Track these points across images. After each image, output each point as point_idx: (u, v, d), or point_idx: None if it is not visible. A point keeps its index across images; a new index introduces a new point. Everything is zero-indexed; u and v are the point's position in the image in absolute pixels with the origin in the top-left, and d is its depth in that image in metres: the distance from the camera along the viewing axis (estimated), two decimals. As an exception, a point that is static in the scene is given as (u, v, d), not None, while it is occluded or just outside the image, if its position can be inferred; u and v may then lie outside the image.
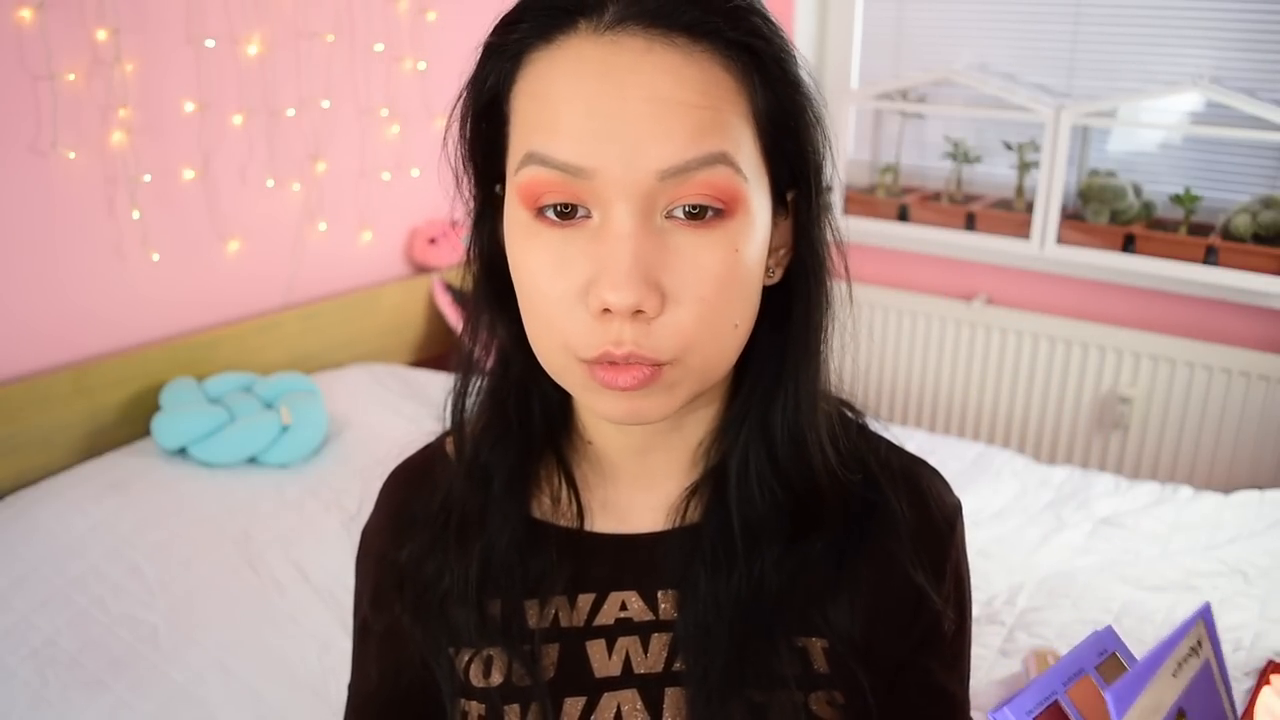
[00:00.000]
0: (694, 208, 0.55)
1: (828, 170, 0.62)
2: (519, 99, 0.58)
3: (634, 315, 0.54)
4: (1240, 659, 1.51)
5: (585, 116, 0.54)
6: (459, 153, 0.63)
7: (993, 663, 1.55)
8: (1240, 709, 1.42)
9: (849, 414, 0.71)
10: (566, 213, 0.56)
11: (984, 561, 1.83)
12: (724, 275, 0.56)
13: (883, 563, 0.65)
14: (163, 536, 1.75)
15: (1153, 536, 1.92)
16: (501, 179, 0.62)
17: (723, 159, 0.55)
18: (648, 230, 0.55)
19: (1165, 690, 0.48)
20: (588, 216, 0.56)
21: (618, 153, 0.53)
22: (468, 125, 0.62)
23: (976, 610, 1.68)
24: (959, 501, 0.71)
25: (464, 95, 0.61)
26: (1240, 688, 1.45)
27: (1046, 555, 1.87)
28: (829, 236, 0.64)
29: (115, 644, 1.53)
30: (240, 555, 1.74)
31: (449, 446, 0.74)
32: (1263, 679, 1.46)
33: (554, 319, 0.57)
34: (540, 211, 0.56)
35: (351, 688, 0.75)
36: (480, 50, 0.60)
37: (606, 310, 0.54)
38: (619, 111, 0.53)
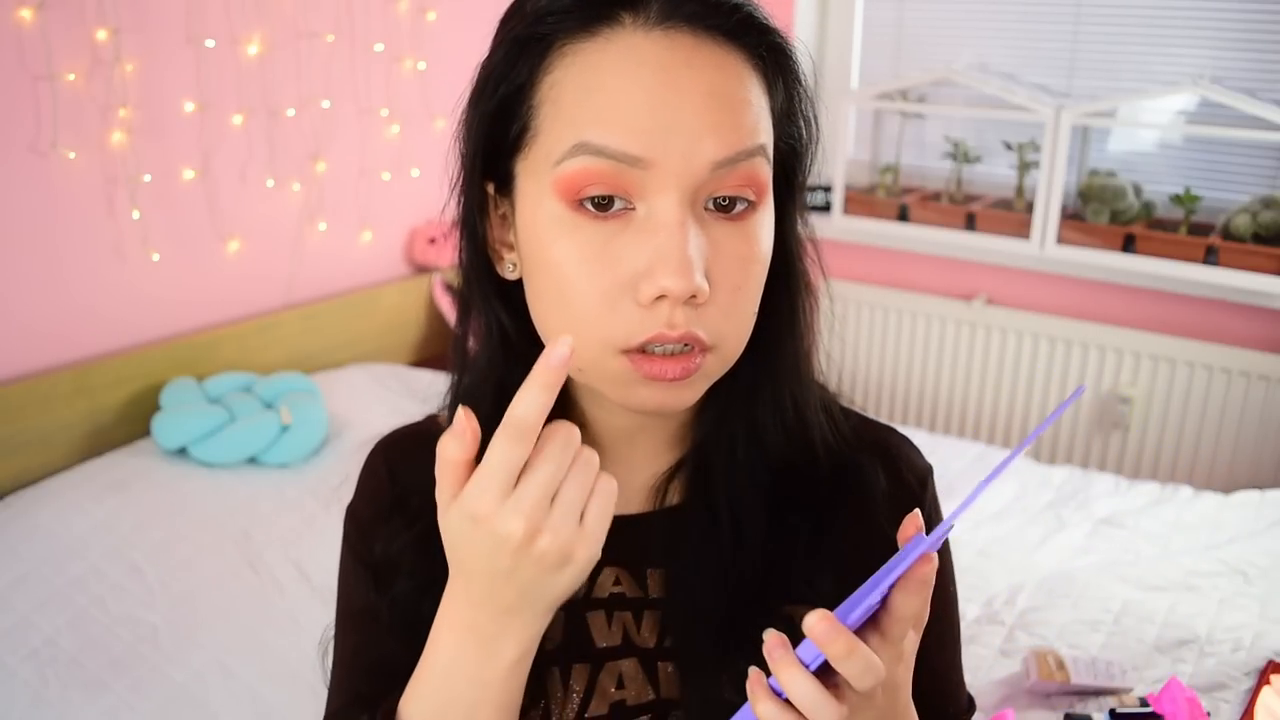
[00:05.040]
0: (726, 199, 0.58)
1: (812, 167, 0.66)
2: (560, 89, 0.57)
3: (688, 300, 0.57)
4: (1240, 659, 1.51)
5: (646, 109, 0.55)
6: (466, 147, 0.63)
7: (993, 663, 1.55)
8: (1240, 709, 1.42)
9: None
10: (603, 204, 0.57)
11: (984, 561, 1.84)
12: (752, 265, 0.60)
13: (861, 526, 0.68)
14: (163, 536, 1.75)
15: (1153, 536, 1.92)
16: (499, 176, 0.63)
17: (761, 151, 0.59)
18: (693, 220, 0.57)
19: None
20: (628, 209, 0.57)
21: (677, 144, 0.55)
22: (483, 118, 0.61)
23: (976, 610, 1.68)
24: (930, 465, 0.75)
25: (484, 87, 0.61)
26: (1240, 688, 1.46)
27: (1046, 555, 1.87)
28: (803, 232, 0.68)
29: (115, 644, 1.53)
30: (240, 555, 1.74)
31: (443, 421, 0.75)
32: (1263, 679, 1.46)
33: (593, 312, 0.58)
34: (579, 204, 0.57)
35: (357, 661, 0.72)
36: (506, 43, 0.60)
37: (660, 298, 0.56)
38: (678, 104, 0.55)
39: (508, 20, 0.62)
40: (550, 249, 0.58)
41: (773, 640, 0.52)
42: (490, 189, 0.64)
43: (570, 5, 0.57)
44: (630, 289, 0.57)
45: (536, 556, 0.53)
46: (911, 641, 0.57)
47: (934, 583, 0.53)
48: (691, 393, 0.61)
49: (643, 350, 0.58)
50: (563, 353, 0.51)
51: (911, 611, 0.53)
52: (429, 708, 0.59)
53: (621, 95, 0.55)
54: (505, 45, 0.60)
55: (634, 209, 0.57)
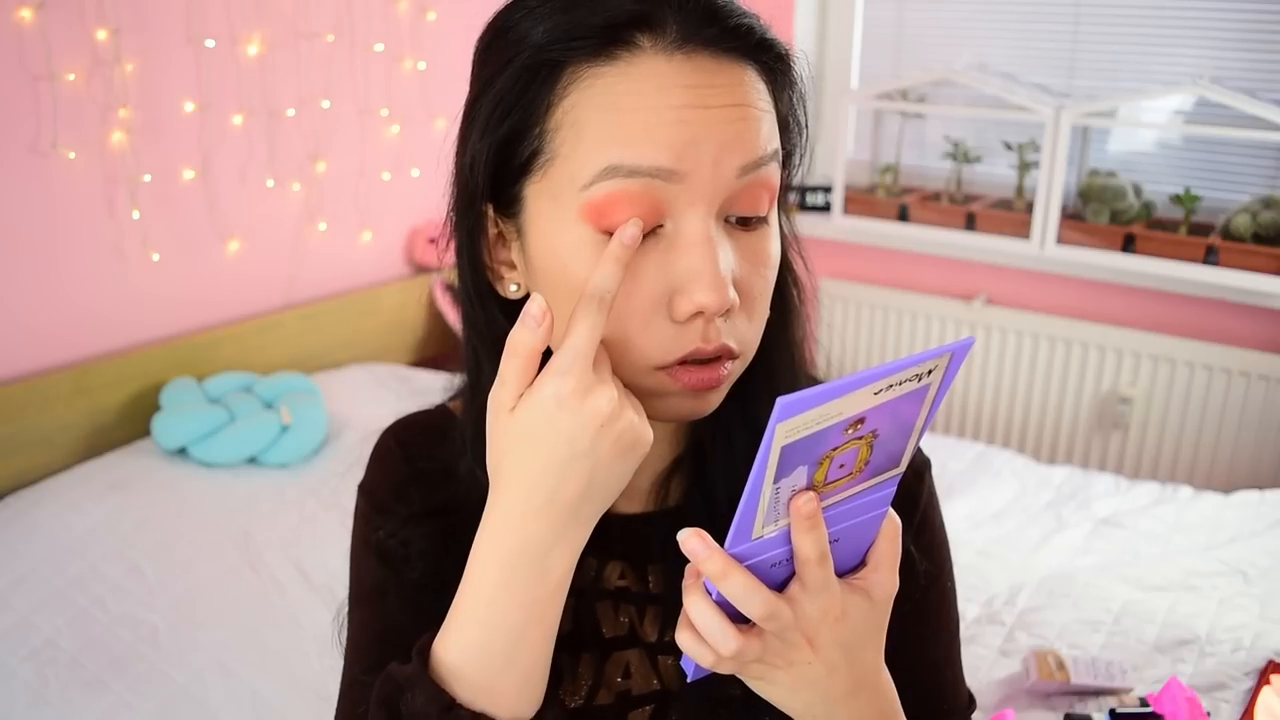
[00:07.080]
0: (742, 219, 0.60)
1: (801, 169, 0.68)
2: (579, 113, 0.57)
3: (723, 314, 0.59)
4: (1240, 659, 1.51)
5: (674, 125, 0.56)
6: (469, 174, 0.62)
7: (993, 663, 1.55)
8: (1240, 709, 1.42)
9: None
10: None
11: (984, 561, 1.83)
12: (767, 271, 0.62)
13: None
14: (163, 536, 1.75)
15: (1153, 536, 1.92)
16: (501, 198, 0.63)
17: (776, 156, 0.61)
18: (718, 234, 0.59)
19: (852, 403, 0.48)
20: (657, 227, 0.58)
21: (707, 153, 0.57)
22: (491, 146, 0.61)
23: (976, 610, 1.68)
24: (928, 458, 0.77)
25: (491, 114, 0.60)
26: (1240, 688, 1.46)
27: (1046, 555, 1.87)
28: (788, 230, 0.69)
29: (115, 644, 1.53)
30: (240, 555, 1.74)
31: (455, 409, 0.76)
32: (1263, 679, 1.46)
33: (628, 332, 0.59)
34: (607, 232, 0.57)
35: (371, 645, 0.71)
36: (514, 70, 0.59)
37: (697, 314, 0.58)
38: (704, 119, 0.57)
39: (501, 48, 0.61)
40: (578, 271, 0.58)
41: (689, 570, 0.55)
42: (488, 210, 0.64)
43: (584, 30, 0.57)
44: (663, 306, 0.58)
45: (617, 434, 0.56)
46: (878, 597, 0.57)
47: (819, 513, 0.52)
48: (717, 397, 0.63)
49: (678, 363, 0.60)
50: (634, 232, 0.55)
51: (809, 552, 0.53)
52: (470, 641, 0.59)
53: (650, 115, 0.56)
54: (513, 72, 0.59)
55: (661, 226, 0.58)
